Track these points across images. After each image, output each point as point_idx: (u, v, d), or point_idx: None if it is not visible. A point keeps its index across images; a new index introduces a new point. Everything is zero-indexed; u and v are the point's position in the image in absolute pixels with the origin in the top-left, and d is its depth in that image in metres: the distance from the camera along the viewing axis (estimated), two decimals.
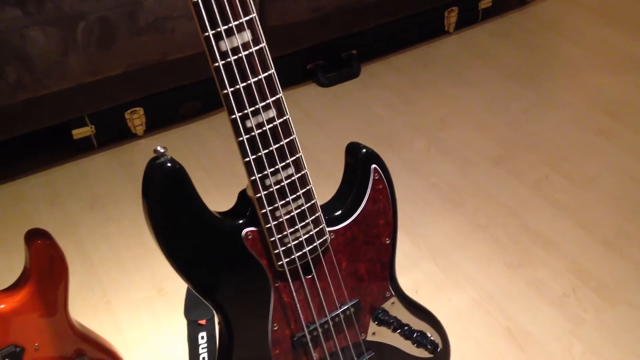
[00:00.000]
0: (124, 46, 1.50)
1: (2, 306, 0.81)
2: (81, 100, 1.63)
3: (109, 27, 1.46)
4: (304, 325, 0.81)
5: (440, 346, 0.92)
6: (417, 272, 1.35)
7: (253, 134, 0.70)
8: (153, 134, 1.77)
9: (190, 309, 1.26)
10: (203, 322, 1.22)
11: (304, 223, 0.76)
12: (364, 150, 0.82)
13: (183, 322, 1.26)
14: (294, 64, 1.89)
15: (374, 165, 0.82)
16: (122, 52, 1.51)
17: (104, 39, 1.47)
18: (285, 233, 0.76)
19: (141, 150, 1.72)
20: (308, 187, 0.76)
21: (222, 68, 0.66)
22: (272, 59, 2.17)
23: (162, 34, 1.52)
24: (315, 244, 0.78)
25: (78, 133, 1.68)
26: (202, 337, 1.19)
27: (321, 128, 1.76)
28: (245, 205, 0.76)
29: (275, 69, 2.24)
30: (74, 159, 1.71)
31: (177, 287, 1.31)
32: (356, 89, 1.91)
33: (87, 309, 1.32)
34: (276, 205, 0.74)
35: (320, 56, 1.92)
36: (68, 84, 1.52)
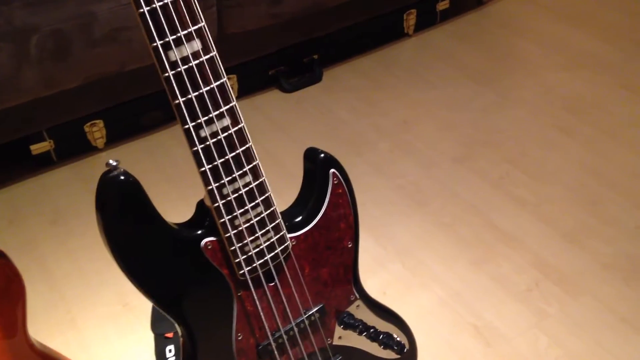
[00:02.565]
0: (80, 58, 1.48)
1: None
2: (38, 114, 1.59)
3: (63, 40, 1.43)
4: (269, 333, 0.81)
5: (407, 347, 0.93)
6: (384, 273, 1.36)
7: (208, 143, 0.69)
8: (114, 147, 1.74)
9: (157, 323, 1.24)
10: (170, 335, 1.20)
11: (264, 230, 0.76)
12: (322, 155, 0.82)
13: (150, 336, 1.24)
14: (255, 70, 1.88)
15: (332, 170, 0.82)
16: (79, 64, 1.49)
17: (58, 52, 1.44)
18: (246, 241, 0.75)
19: (102, 163, 1.68)
20: (267, 195, 0.76)
21: (172, 78, 0.66)
22: (233, 66, 2.17)
23: (119, 45, 1.50)
24: (276, 251, 0.78)
25: (36, 148, 1.65)
26: (170, 351, 1.17)
27: (286, 133, 1.76)
28: (203, 215, 0.75)
29: (237, 76, 2.23)
30: (33, 175, 1.67)
31: (143, 301, 1.27)
32: (319, 94, 1.91)
33: (51, 327, 1.29)
34: (235, 214, 0.73)
35: (281, 62, 1.92)
36: (23, 98, 1.49)
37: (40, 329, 1.27)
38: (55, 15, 1.41)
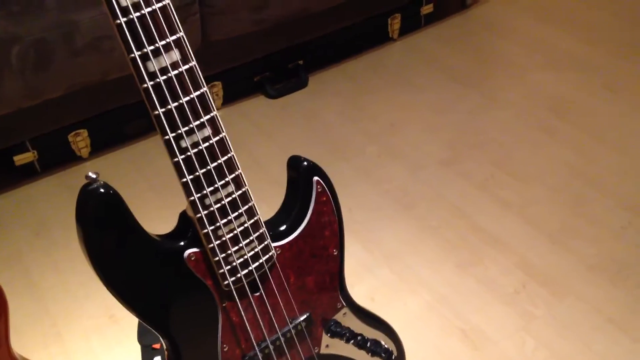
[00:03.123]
0: (62, 68, 1.46)
1: None
2: (21, 125, 1.58)
3: (45, 50, 1.42)
4: (255, 343, 0.80)
5: (395, 353, 0.93)
6: (372, 278, 1.36)
7: (189, 154, 0.69)
8: (99, 156, 1.73)
9: (144, 334, 1.23)
10: (157, 346, 1.19)
11: (248, 240, 0.76)
12: (305, 163, 0.81)
13: (137, 348, 1.22)
14: (240, 77, 1.88)
15: (316, 178, 0.81)
16: (61, 74, 1.47)
17: (40, 62, 1.43)
18: (229, 252, 0.75)
19: (86, 173, 1.68)
20: (250, 204, 0.75)
21: (150, 89, 0.65)
22: (218, 73, 2.15)
23: (101, 54, 1.49)
24: (261, 261, 0.77)
25: (20, 159, 1.63)
26: None
27: (272, 139, 1.75)
28: (186, 226, 0.75)
29: (222, 83, 2.21)
30: (17, 186, 1.65)
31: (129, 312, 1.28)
32: (305, 99, 1.91)
33: (36, 341, 1.27)
34: (218, 224, 0.73)
35: (267, 68, 1.92)
36: (5, 109, 1.48)
37: (25, 342, 1.26)
38: (36, 25, 1.40)
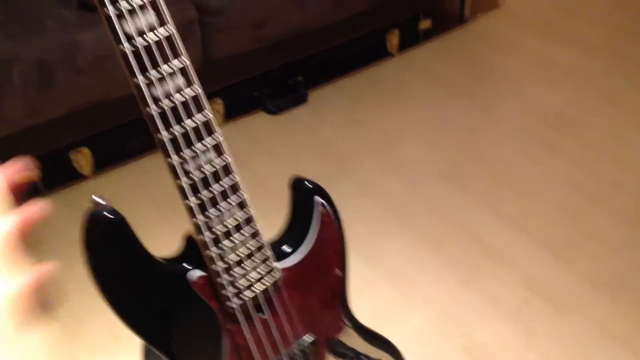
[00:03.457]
0: (64, 88, 1.47)
1: None
2: (23, 143, 1.58)
3: (47, 69, 1.43)
4: None
5: None
6: (374, 294, 1.36)
7: (192, 176, 0.69)
8: (101, 174, 1.73)
9: (149, 355, 1.22)
10: None
11: (252, 262, 0.76)
12: (308, 184, 0.82)
13: None
14: (241, 93, 1.89)
15: (318, 199, 0.82)
16: (63, 93, 1.48)
17: (42, 82, 1.44)
18: (234, 274, 0.75)
19: (89, 191, 1.68)
20: (254, 226, 0.75)
21: (154, 114, 0.66)
22: (218, 89, 2.15)
23: (103, 73, 1.50)
24: (265, 282, 0.78)
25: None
26: None
27: (272, 156, 1.76)
28: (191, 248, 0.75)
29: (223, 100, 2.20)
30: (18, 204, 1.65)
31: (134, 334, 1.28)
32: (305, 115, 1.92)
33: None
34: (222, 246, 0.73)
35: (267, 84, 1.93)
36: (8, 129, 1.48)
37: None
38: (38, 45, 1.41)
